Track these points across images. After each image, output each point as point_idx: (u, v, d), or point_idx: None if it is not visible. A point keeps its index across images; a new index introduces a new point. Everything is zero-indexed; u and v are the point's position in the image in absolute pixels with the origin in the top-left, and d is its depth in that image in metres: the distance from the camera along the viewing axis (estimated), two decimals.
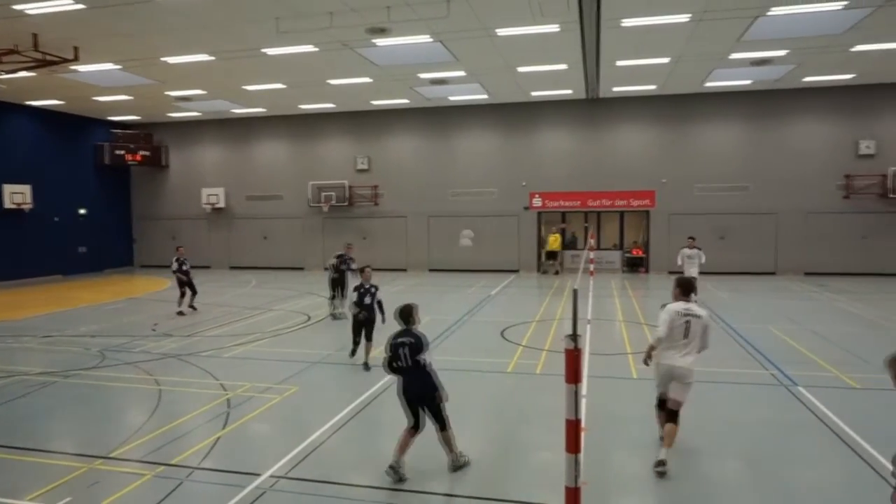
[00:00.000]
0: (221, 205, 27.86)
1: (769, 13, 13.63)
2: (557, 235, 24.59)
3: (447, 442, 5.99)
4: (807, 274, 22.53)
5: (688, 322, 6.01)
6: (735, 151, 23.21)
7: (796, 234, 22.83)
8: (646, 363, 6.34)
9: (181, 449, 6.58)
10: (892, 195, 21.61)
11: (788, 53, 17.30)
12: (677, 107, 23.38)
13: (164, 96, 22.33)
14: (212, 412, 7.81)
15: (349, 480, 5.88)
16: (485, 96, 23.10)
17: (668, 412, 6.10)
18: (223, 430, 7.15)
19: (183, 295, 15.80)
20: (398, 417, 7.79)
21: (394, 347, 5.91)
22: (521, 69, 18.79)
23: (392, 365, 5.94)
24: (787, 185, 22.71)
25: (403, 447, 5.87)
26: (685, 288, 6.22)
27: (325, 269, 14.74)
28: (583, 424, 7.04)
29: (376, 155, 26.37)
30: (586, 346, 11.22)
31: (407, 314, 6.14)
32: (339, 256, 14.86)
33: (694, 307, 6.12)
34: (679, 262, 16.14)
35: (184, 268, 15.85)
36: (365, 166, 26.36)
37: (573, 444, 3.79)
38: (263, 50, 16.27)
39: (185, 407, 8.05)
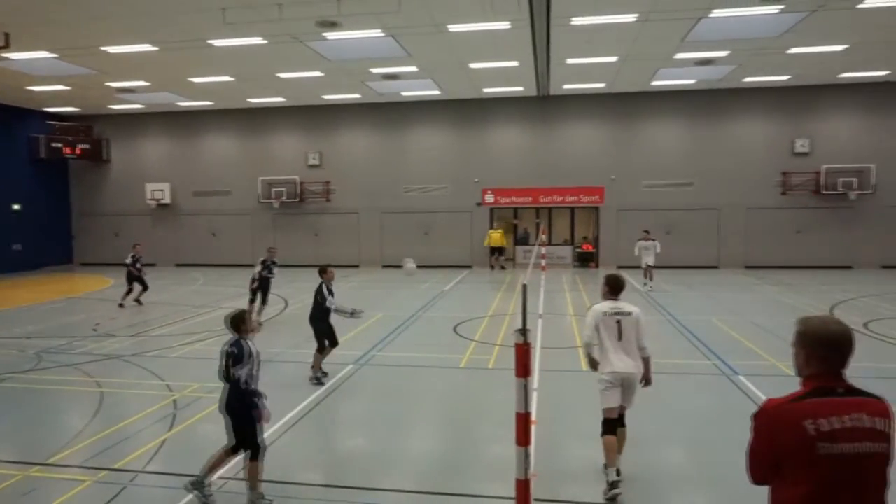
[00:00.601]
0: (167, 200, 27.02)
1: (711, 15, 14.08)
2: (500, 231, 24.80)
3: (251, 476, 5.22)
4: (747, 267, 23.44)
5: (619, 321, 5.53)
6: (680, 149, 23.93)
7: (737, 229, 23.72)
8: (595, 371, 5.73)
9: (124, 453, 6.37)
10: (824, 192, 22.68)
11: (729, 54, 17.92)
12: (625, 105, 23.92)
13: (105, 87, 21.50)
14: (157, 414, 7.59)
15: (300, 479, 5.82)
16: (437, 92, 23.11)
17: (619, 418, 5.62)
18: (169, 433, 6.96)
19: (129, 292, 15.91)
20: (353, 414, 7.79)
21: (221, 355, 5.30)
22: (473, 65, 18.87)
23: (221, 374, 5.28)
24: (728, 182, 23.55)
25: (214, 466, 5.31)
26: (613, 287, 5.77)
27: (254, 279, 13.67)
28: (533, 417, 7.18)
29: (328, 150, 26.06)
30: (537, 340, 11.39)
31: (237, 322, 5.39)
32: (263, 262, 14.01)
33: (623, 304, 5.69)
34: (636, 253, 18.29)
35: (137, 265, 16.07)
36: (316, 162, 26.02)
37: (523, 437, 3.84)
38: (210, 41, 15.85)
39: (128, 409, 7.80)
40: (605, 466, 5.48)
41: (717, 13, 13.95)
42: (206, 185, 27.07)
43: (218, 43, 15.97)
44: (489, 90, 23.01)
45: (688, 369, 9.48)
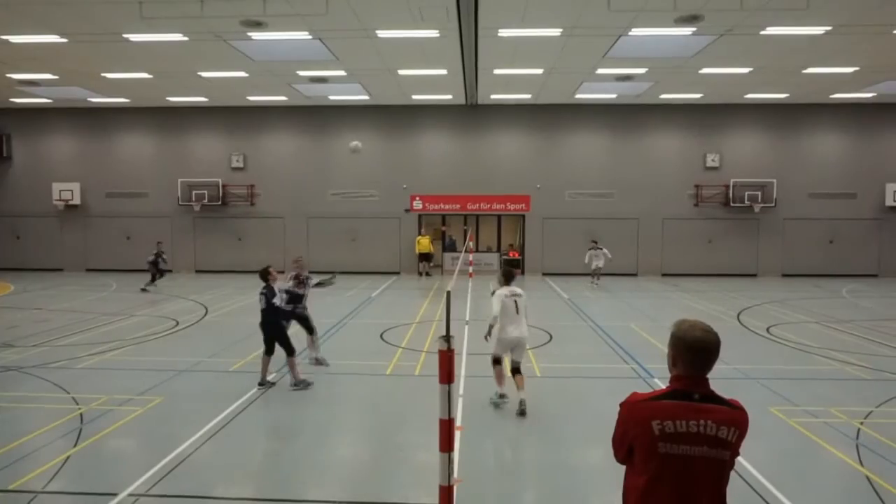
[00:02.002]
0: (76, 201, 25.46)
1: (630, 33, 14.73)
2: (428, 237, 24.92)
3: (292, 367, 8.77)
4: (664, 275, 24.57)
5: (515, 301, 7.66)
6: (602, 160, 24.83)
7: (654, 239, 24.83)
8: (486, 339, 7.83)
9: (22, 472, 5.92)
10: (733, 204, 24.13)
11: (647, 71, 18.80)
12: (550, 116, 24.60)
13: (5, 79, 20.05)
14: (61, 429, 7.12)
15: (219, 493, 5.60)
16: (366, 97, 22.99)
17: (514, 370, 7.74)
18: (74, 448, 6.54)
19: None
20: (276, 423, 7.58)
21: (260, 298, 8.88)
22: (402, 72, 18.91)
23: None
24: (646, 193, 24.64)
25: (264, 369, 8.83)
26: (507, 277, 7.91)
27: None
28: (459, 423, 7.24)
29: (253, 153, 25.37)
30: (464, 346, 11.48)
31: (264, 274, 8.90)
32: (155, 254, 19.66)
33: (516, 289, 7.78)
34: (587, 261, 21.37)
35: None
36: (240, 164, 25.27)
37: (446, 443, 3.87)
38: (125, 35, 15.10)
39: (28, 425, 7.27)
40: (500, 393, 7.94)
41: (636, 31, 14.62)
42: (121, 186, 25.71)
43: (134, 38, 15.24)
44: (418, 97, 23.11)
45: (608, 373, 9.81)
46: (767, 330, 13.31)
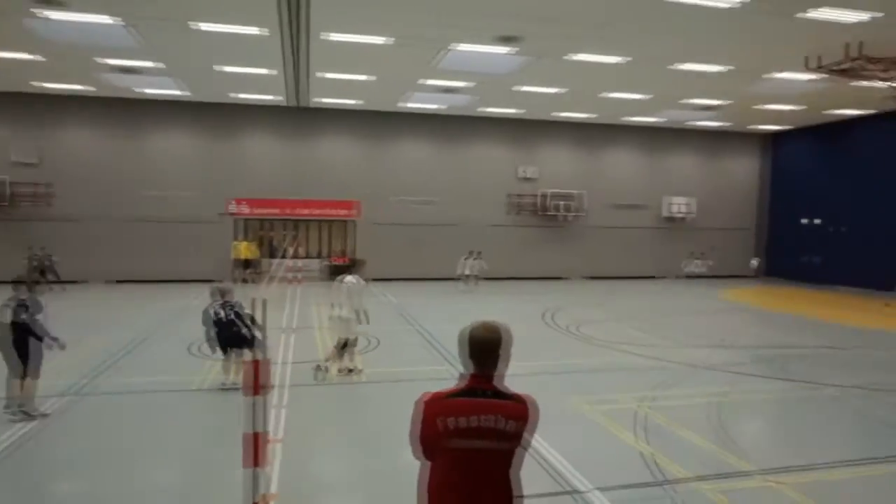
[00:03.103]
0: None
1: (456, 48, 15.37)
2: (246, 243, 23.85)
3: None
4: (485, 279, 25.85)
5: (343, 286, 9.58)
6: (427, 168, 25.58)
7: (476, 244, 26.00)
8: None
9: None
10: (546, 213, 26.21)
11: (470, 85, 19.75)
12: (380, 123, 24.83)
13: None
14: None
15: None
16: (181, 92, 21.41)
17: (346, 343, 9.56)
18: None
19: None
20: (65, 455, 6.72)
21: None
22: (223, 68, 17.90)
23: None
24: (468, 201, 25.84)
25: None
26: (352, 267, 10.24)
27: None
28: (278, 435, 7.00)
29: (49, 148, 22.35)
30: (289, 355, 11.16)
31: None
32: None
33: (348, 277, 9.67)
34: (459, 271, 22.34)
35: None
36: (32, 160, 22.15)
37: (252, 459, 3.72)
38: None
39: None
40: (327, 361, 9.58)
41: (460, 47, 15.29)
42: None
43: None
44: (242, 96, 22.05)
45: (433, 375, 10.06)
46: (577, 328, 14.61)
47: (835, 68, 15.56)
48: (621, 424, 7.63)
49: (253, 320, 8.65)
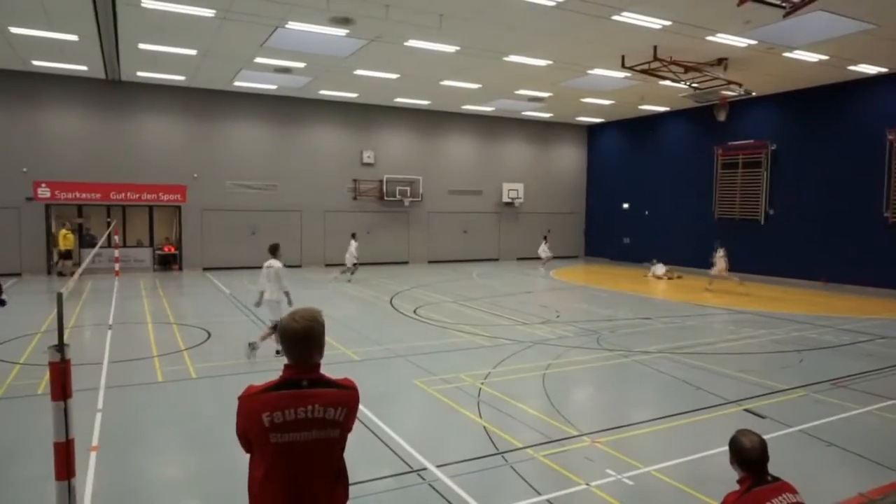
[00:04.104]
0: None
1: (286, 26, 14.76)
2: (69, 232, 21.31)
3: None
4: (327, 265, 25.47)
5: (268, 271, 10.14)
6: (264, 151, 24.46)
7: (318, 230, 25.57)
8: (257, 305, 10.35)
9: None
10: (386, 198, 26.34)
11: (305, 67, 19.13)
12: (208, 102, 23.22)
13: None
14: None
15: None
16: None
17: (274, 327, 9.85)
18: None
19: None
20: None
21: None
22: (14, 30, 15.57)
23: None
24: (309, 186, 25.18)
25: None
26: (272, 251, 10.52)
27: None
28: (96, 443, 6.34)
29: None
30: (105, 353, 10.14)
31: None
32: None
33: (272, 261, 10.23)
34: (348, 258, 20.94)
35: None
36: None
37: (64, 470, 3.32)
38: None
39: None
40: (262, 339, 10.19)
41: (292, 25, 14.70)
42: None
43: None
44: (41, 63, 19.36)
45: (269, 366, 9.71)
46: (414, 311, 14.90)
47: (639, 69, 17.38)
48: (459, 402, 7.94)
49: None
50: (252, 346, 9.99)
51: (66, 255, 21.04)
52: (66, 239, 21.01)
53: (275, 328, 9.88)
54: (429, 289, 19.26)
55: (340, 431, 2.68)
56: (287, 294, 9.98)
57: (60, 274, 20.99)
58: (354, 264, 20.99)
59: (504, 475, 5.79)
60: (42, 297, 16.98)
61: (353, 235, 21.50)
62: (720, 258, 19.53)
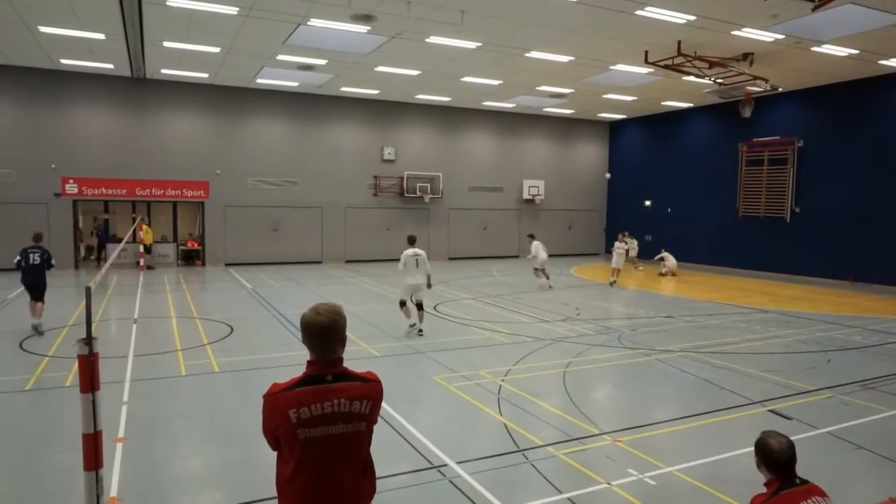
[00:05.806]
0: None
1: (309, 23, 14.84)
2: (149, 228, 22.53)
3: None
4: (347, 262, 25.62)
5: (416, 259, 11.51)
6: (285, 148, 24.64)
7: (338, 226, 25.71)
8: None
9: None
10: (407, 194, 26.37)
11: (327, 64, 19.23)
12: (231, 99, 23.45)
13: None
14: None
15: None
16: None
17: (418, 305, 11.62)
18: None
19: None
20: None
21: None
22: (44, 29, 15.88)
23: None
24: (329, 182, 25.31)
25: None
26: (411, 241, 11.86)
27: None
28: (122, 434, 6.46)
29: None
30: (130, 347, 10.31)
31: None
32: None
33: (418, 250, 11.62)
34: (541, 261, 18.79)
35: None
36: None
37: (92, 461, 3.38)
38: None
39: None
40: (410, 324, 11.74)
41: (314, 22, 14.78)
42: None
43: None
44: (69, 62, 19.72)
45: (289, 361, 9.80)
46: (434, 308, 14.91)
47: (662, 64, 17.16)
48: (480, 399, 7.93)
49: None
50: (410, 326, 11.72)
51: (148, 249, 22.17)
52: (147, 234, 22.14)
53: (419, 307, 11.65)
54: (449, 285, 19.26)
55: (367, 424, 2.70)
56: (429, 277, 11.63)
57: (149, 267, 21.68)
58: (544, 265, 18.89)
59: (524, 473, 5.77)
60: (70, 290, 17.31)
61: (532, 236, 19.46)
62: (622, 251, 20.19)
